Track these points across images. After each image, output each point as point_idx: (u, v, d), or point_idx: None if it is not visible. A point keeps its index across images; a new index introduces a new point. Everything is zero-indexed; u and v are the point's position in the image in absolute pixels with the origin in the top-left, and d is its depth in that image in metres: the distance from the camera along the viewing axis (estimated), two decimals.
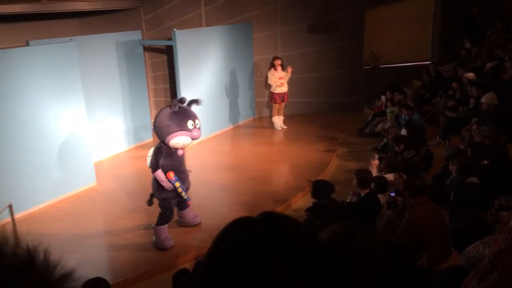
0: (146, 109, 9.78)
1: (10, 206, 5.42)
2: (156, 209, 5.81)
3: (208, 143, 9.65)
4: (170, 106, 5.42)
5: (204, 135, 9.69)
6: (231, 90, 10.39)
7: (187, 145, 5.54)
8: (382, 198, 5.34)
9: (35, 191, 6.70)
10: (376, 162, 6.30)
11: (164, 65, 10.66)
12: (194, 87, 9.28)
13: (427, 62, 11.32)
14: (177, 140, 5.29)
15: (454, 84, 8.46)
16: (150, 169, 5.50)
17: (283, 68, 9.79)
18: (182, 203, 5.95)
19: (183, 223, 6.15)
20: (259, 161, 8.50)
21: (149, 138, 9.88)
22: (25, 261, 0.72)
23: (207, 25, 10.39)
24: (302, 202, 6.89)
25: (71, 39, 7.23)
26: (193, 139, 5.41)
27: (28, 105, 6.54)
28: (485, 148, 5.23)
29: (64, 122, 7.06)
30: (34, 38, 7.14)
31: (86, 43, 8.04)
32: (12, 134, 6.38)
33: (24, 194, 6.51)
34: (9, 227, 5.57)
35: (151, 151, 5.57)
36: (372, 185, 5.47)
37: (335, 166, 8.23)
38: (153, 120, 5.50)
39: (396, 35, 11.39)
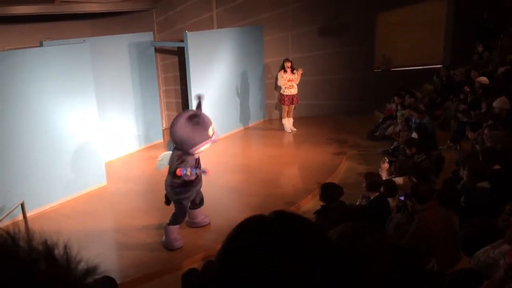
0: (157, 110, 9.85)
1: (22, 204, 5.48)
2: (165, 209, 5.85)
3: (218, 144, 9.60)
4: (189, 116, 5.52)
5: (214, 137, 9.74)
6: (242, 92, 10.42)
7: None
8: (391, 201, 5.32)
9: (47, 190, 6.78)
10: (386, 165, 6.27)
11: (175, 66, 10.72)
12: (205, 88, 9.31)
13: (439, 66, 11.25)
14: (202, 149, 5.58)
15: (466, 88, 8.40)
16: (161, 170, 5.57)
17: (293, 70, 9.81)
18: (194, 202, 6.00)
19: (193, 224, 6.21)
20: (269, 163, 8.51)
21: (159, 139, 9.95)
22: (43, 255, 0.67)
23: (219, 27, 10.44)
24: (311, 204, 6.88)
25: (84, 40, 7.31)
26: (213, 143, 5.70)
27: (40, 105, 6.62)
28: (497, 153, 5.18)
29: (76, 122, 7.13)
30: (47, 38, 7.23)
31: (98, 44, 8.11)
32: (25, 133, 6.46)
33: (36, 193, 6.59)
34: (21, 225, 5.63)
35: (163, 156, 5.74)
36: (382, 188, 5.45)
37: (345, 168, 8.21)
38: (170, 129, 5.62)
39: (408, 39, 11.33)
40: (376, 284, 1.14)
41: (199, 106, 5.75)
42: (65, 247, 0.70)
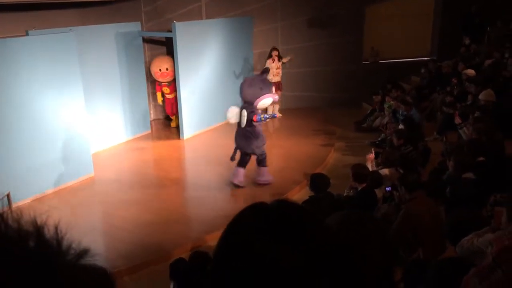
0: (144, 101, 9.79)
1: (8, 195, 5.43)
2: (152, 200, 5.84)
3: (207, 136, 9.66)
4: (260, 74, 6.91)
5: (203, 128, 9.73)
6: (230, 83, 10.38)
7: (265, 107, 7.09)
8: (378, 192, 5.38)
9: (33, 180, 6.72)
10: (371, 156, 6.34)
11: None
12: (193, 79, 9.28)
13: (426, 58, 11.34)
14: (265, 101, 6.60)
15: (454, 80, 8.48)
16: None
17: (280, 59, 10.06)
18: (263, 161, 6.98)
19: (259, 181, 7.04)
20: None
21: (147, 129, 9.90)
22: (32, 233, 0.65)
23: (207, 17, 10.37)
24: (299, 195, 6.92)
25: (70, 30, 7.22)
26: (274, 101, 6.95)
27: (26, 95, 6.54)
28: (482, 145, 5.26)
29: (62, 113, 7.06)
30: (33, 28, 7.12)
31: (85, 33, 8.02)
32: (11, 124, 6.38)
33: (22, 184, 6.52)
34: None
35: (232, 110, 6.66)
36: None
37: (333, 160, 8.27)
38: (241, 87, 6.76)
39: (396, 31, 11.40)
40: (375, 274, 1.15)
41: (264, 71, 6.99)
42: (55, 227, 0.68)
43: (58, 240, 0.68)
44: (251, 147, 6.76)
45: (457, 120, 6.37)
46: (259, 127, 6.78)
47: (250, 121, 6.48)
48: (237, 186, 6.96)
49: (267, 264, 0.84)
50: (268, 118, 6.76)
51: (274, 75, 10.06)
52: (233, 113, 6.66)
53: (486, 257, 1.87)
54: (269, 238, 0.86)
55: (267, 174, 7.11)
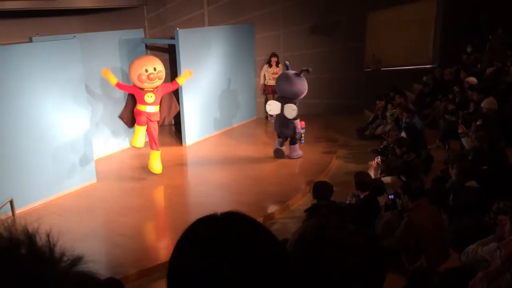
0: None
1: (11, 202, 5.44)
2: (155, 207, 5.82)
3: (208, 142, 9.67)
4: (295, 73, 8.08)
5: (204, 135, 9.75)
6: (233, 90, 10.42)
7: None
8: (381, 200, 5.37)
9: (36, 187, 6.72)
10: (373, 163, 6.34)
11: (166, 63, 10.62)
12: (196, 86, 9.31)
13: (428, 66, 11.36)
14: (304, 94, 8.27)
15: (456, 88, 8.49)
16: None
17: (278, 65, 10.39)
18: (296, 139, 8.39)
19: (293, 157, 8.40)
20: (259, 161, 8.53)
21: None
22: (24, 241, 0.65)
23: (210, 24, 10.42)
24: (301, 202, 6.92)
25: (74, 36, 7.26)
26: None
27: (30, 101, 6.56)
28: (484, 153, 5.26)
29: (65, 119, 7.07)
30: (37, 34, 7.16)
31: (88, 40, 8.06)
32: (14, 130, 6.40)
33: (25, 190, 6.53)
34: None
35: (272, 103, 8.24)
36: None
37: (335, 167, 8.26)
38: (285, 84, 8.07)
39: (398, 38, 11.43)
40: (341, 274, 1.14)
41: (303, 71, 8.04)
42: (47, 235, 0.68)
43: (50, 247, 0.68)
44: (288, 132, 8.22)
45: (461, 129, 6.37)
46: None
47: (295, 119, 8.05)
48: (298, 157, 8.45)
49: (205, 277, 0.86)
50: (302, 134, 8.78)
51: (271, 79, 10.42)
52: (274, 106, 8.14)
53: (493, 261, 1.87)
54: (209, 251, 0.88)
55: (299, 150, 8.50)
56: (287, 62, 8.56)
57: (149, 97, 7.25)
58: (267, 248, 0.92)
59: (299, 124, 8.25)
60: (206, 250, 0.89)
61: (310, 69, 8.05)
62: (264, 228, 0.97)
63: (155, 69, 7.22)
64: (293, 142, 8.41)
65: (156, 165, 7.66)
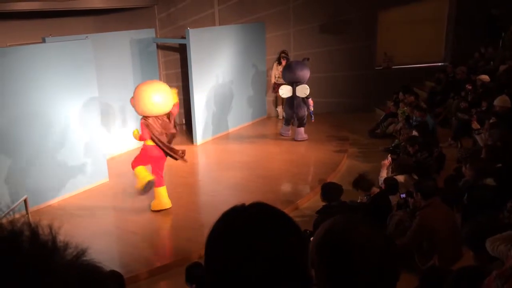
0: None
1: (25, 200, 5.51)
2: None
3: (219, 141, 9.70)
4: (302, 60, 9.33)
5: (215, 133, 9.78)
6: (243, 89, 10.43)
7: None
8: (393, 199, 5.35)
9: (49, 186, 6.80)
10: (386, 162, 6.30)
11: (176, 63, 10.73)
12: (206, 85, 9.34)
13: (440, 64, 11.26)
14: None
15: (468, 86, 8.40)
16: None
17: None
18: (303, 122, 9.21)
19: (298, 139, 9.22)
20: (270, 160, 8.53)
21: None
22: (26, 234, 0.66)
23: (220, 24, 10.44)
24: (312, 201, 6.90)
25: (86, 37, 7.32)
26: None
27: (43, 101, 6.64)
28: (498, 151, 5.21)
29: (78, 119, 7.14)
30: (50, 35, 7.24)
31: (100, 40, 8.12)
32: (27, 130, 6.48)
33: (39, 189, 6.61)
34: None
35: (286, 90, 9.07)
36: (382, 185, 5.49)
37: (346, 166, 8.23)
38: (299, 70, 9.00)
39: (409, 36, 11.34)
40: (365, 271, 1.15)
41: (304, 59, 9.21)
42: (50, 228, 0.69)
43: (53, 239, 0.68)
44: (302, 112, 9.04)
45: (475, 126, 6.31)
46: None
47: (307, 99, 9.05)
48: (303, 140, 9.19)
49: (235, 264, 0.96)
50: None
51: (280, 77, 10.25)
52: (286, 90, 9.05)
53: (508, 260, 1.86)
54: (243, 239, 0.97)
55: (304, 133, 9.23)
56: (307, 58, 9.42)
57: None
58: (290, 238, 1.00)
59: (311, 103, 9.15)
60: (236, 240, 0.98)
61: (309, 58, 9.36)
62: (288, 218, 1.06)
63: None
64: (300, 124, 9.17)
65: (166, 199, 6.70)
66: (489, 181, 4.56)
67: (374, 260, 1.12)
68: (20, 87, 6.33)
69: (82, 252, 0.70)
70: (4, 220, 0.67)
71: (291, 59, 10.42)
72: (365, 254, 1.12)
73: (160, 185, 6.49)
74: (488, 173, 4.68)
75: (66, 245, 0.69)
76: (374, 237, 1.16)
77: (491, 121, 6.14)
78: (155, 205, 6.56)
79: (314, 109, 9.42)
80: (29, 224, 0.68)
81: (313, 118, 9.34)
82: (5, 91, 6.17)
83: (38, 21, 8.41)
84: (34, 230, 0.67)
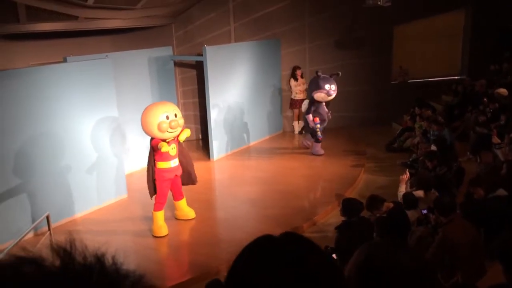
0: None
1: (47, 217, 5.60)
2: (185, 221, 5.90)
3: (235, 156, 9.75)
4: (333, 76, 9.15)
5: (232, 149, 9.83)
6: (259, 105, 10.51)
7: (325, 100, 9.12)
8: (412, 214, 5.30)
9: (70, 202, 6.91)
10: (405, 177, 6.26)
11: (193, 79, 10.87)
12: (223, 101, 9.43)
13: (456, 77, 11.21)
14: (318, 94, 8.99)
15: (485, 99, 8.33)
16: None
17: (302, 77, 10.74)
18: (316, 136, 9.24)
19: (312, 152, 9.40)
20: (286, 175, 8.54)
21: None
22: (96, 267, 0.69)
23: (236, 41, 10.57)
24: (330, 217, 6.88)
25: (106, 56, 7.47)
26: (328, 95, 9.00)
27: (64, 119, 6.77)
28: None
29: (99, 136, 7.26)
30: (71, 54, 7.41)
31: (119, 59, 8.28)
32: (49, 147, 6.60)
33: (60, 205, 6.72)
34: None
35: (306, 102, 9.40)
36: (401, 200, 5.46)
37: (363, 181, 8.19)
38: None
39: (425, 50, 11.33)
40: None
41: (331, 75, 9.17)
42: (113, 258, 0.73)
43: (117, 270, 0.72)
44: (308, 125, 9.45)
45: (496, 140, 6.25)
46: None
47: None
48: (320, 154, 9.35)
49: None
50: (316, 129, 9.30)
51: (298, 93, 10.77)
52: (304, 105, 9.47)
53: None
54: (273, 273, 0.90)
55: (319, 149, 9.40)
56: (318, 71, 9.28)
57: (173, 149, 6.25)
58: (324, 270, 0.94)
59: (310, 119, 9.16)
60: (264, 270, 0.91)
61: (339, 73, 9.22)
62: (320, 250, 1.00)
63: (176, 115, 6.16)
64: (315, 140, 9.35)
65: (190, 210, 6.91)
66: (500, 191, 4.52)
67: (416, 282, 1.14)
68: (42, 106, 6.48)
69: (141, 278, 0.73)
70: (76, 252, 0.70)
71: (305, 74, 10.57)
72: (408, 277, 1.13)
73: (157, 209, 6.37)
74: (499, 184, 4.66)
75: (127, 274, 0.72)
76: (414, 260, 1.18)
77: (511, 135, 6.09)
78: (153, 231, 6.44)
79: (329, 124, 9.47)
80: (96, 255, 0.71)
81: (319, 135, 9.25)
82: (28, 110, 6.31)
83: (57, 41, 8.61)
84: (101, 262, 0.71)
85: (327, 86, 8.94)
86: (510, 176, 5.06)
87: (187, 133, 6.44)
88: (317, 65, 10.77)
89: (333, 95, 9.04)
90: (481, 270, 3.77)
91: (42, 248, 0.86)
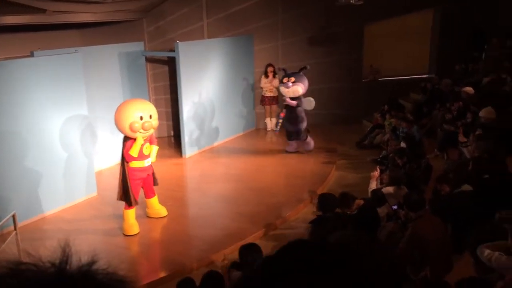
0: None
1: (14, 216, 5.44)
2: (154, 220, 5.84)
3: (208, 153, 9.70)
4: (302, 70, 8.95)
5: (204, 146, 9.79)
6: (232, 101, 10.48)
7: (286, 95, 8.85)
8: (383, 210, 5.41)
9: (38, 200, 6.73)
10: (376, 174, 6.38)
11: (165, 75, 10.75)
12: (195, 97, 9.36)
13: (425, 76, 11.47)
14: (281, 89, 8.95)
15: (458, 103, 8.47)
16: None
17: (275, 75, 10.61)
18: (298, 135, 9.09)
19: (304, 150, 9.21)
20: (259, 172, 8.56)
21: None
22: (89, 272, 0.74)
23: (209, 37, 10.51)
24: (302, 213, 6.95)
25: (76, 50, 7.30)
26: (286, 88, 8.78)
27: (32, 115, 6.59)
28: (484, 163, 5.32)
29: (67, 132, 7.10)
30: (38, 48, 7.21)
31: (89, 53, 8.10)
32: (15, 143, 6.41)
33: (27, 204, 6.54)
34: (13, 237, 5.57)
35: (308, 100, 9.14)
36: (370, 196, 5.57)
37: (334, 177, 8.30)
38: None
39: (395, 49, 11.55)
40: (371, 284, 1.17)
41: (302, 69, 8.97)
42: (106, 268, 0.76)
43: (109, 278, 0.77)
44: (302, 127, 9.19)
45: (462, 139, 6.43)
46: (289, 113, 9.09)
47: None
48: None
49: None
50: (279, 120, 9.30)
51: (267, 90, 10.75)
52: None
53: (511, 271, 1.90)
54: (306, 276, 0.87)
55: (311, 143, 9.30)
56: (283, 67, 9.27)
57: (147, 148, 6.16)
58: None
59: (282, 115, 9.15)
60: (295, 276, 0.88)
61: (308, 66, 9.02)
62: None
63: (150, 116, 5.98)
64: (303, 137, 9.18)
65: (161, 208, 6.83)
66: (465, 187, 4.67)
67: (380, 271, 1.14)
68: (9, 101, 6.28)
69: (93, 262, 0.77)
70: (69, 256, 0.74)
71: (274, 67, 10.63)
72: (370, 266, 1.14)
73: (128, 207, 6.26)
74: (465, 180, 4.81)
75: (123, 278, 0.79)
76: (375, 249, 1.18)
77: (477, 133, 6.27)
78: (124, 229, 6.33)
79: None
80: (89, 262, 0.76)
81: (277, 129, 9.48)
82: None
83: (24, 35, 8.35)
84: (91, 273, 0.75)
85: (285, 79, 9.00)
86: (475, 173, 5.21)
87: (155, 150, 6.40)
88: (290, 62, 10.81)
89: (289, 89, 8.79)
90: (449, 265, 3.88)
91: (7, 248, 0.87)
